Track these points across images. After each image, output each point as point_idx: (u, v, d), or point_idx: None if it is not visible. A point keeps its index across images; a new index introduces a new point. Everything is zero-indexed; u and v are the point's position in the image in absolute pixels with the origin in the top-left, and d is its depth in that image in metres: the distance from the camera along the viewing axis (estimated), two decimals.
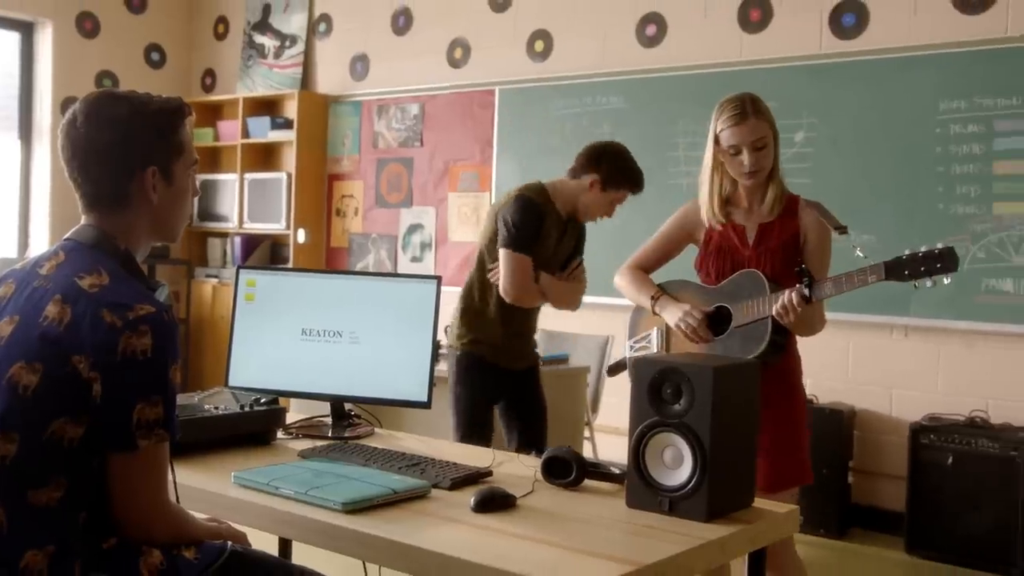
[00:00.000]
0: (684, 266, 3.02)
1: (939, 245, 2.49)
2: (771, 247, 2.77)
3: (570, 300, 3.69)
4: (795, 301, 2.58)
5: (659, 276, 3.06)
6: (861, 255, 2.63)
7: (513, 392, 3.72)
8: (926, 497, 4.52)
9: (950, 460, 4.45)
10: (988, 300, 4.61)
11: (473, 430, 3.56)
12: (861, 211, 4.86)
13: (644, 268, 3.04)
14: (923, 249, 2.49)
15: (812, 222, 2.75)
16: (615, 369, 3.13)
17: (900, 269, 2.50)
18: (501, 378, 3.66)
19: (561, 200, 3.64)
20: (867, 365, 4.97)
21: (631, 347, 3.03)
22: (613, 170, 3.64)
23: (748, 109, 2.72)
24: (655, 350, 2.93)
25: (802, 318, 2.61)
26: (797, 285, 2.61)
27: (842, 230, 2.68)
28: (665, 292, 2.93)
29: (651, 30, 5.68)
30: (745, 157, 2.71)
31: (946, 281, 2.47)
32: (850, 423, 4.91)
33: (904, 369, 4.88)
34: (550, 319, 5.67)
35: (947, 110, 4.72)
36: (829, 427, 4.76)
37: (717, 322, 2.80)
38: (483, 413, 3.63)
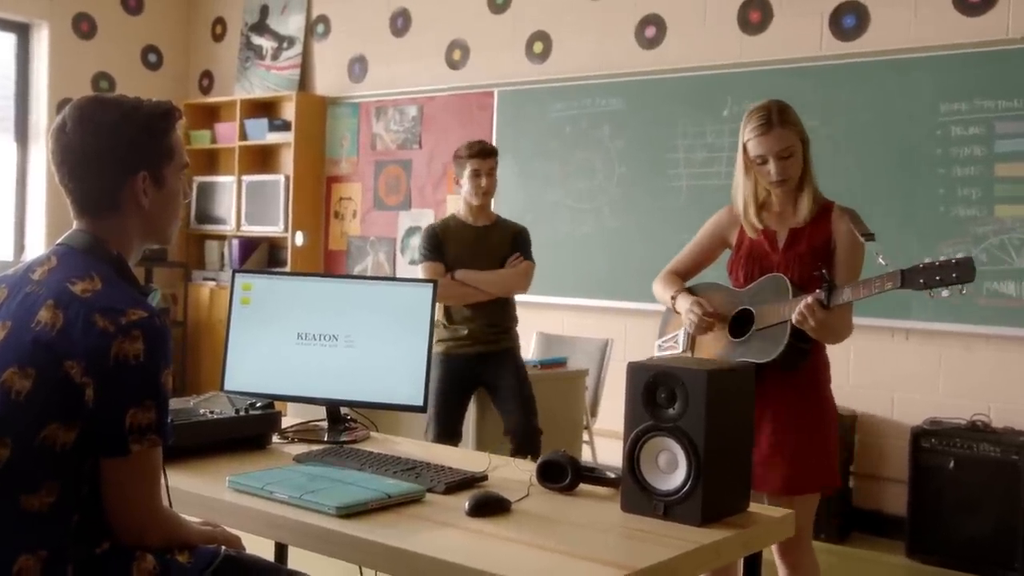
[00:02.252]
0: (721, 272, 3.03)
1: (958, 255, 2.47)
2: (800, 252, 2.77)
3: (497, 285, 4.22)
4: (813, 306, 2.58)
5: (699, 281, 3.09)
6: (883, 263, 2.61)
7: (485, 373, 4.25)
8: (927, 501, 4.50)
9: (951, 464, 4.43)
10: (989, 303, 4.59)
11: (436, 414, 4.12)
12: (861, 214, 4.81)
13: (680, 274, 3.05)
14: (941, 258, 2.47)
15: (844, 229, 2.74)
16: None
17: (916, 277, 2.48)
18: (468, 365, 4.21)
19: (463, 213, 4.32)
20: (868, 369, 4.94)
21: (659, 347, 3.06)
22: (453, 159, 4.35)
23: (774, 119, 2.72)
24: (681, 350, 2.96)
25: (823, 324, 2.59)
26: (817, 290, 2.61)
27: (869, 237, 2.68)
28: (686, 290, 2.96)
29: (650, 31, 5.66)
30: (772, 167, 2.72)
31: (963, 292, 2.45)
32: (851, 427, 4.89)
33: (905, 373, 4.86)
34: (549, 323, 5.69)
35: (948, 112, 4.70)
36: None
37: (741, 325, 2.81)
38: (447, 402, 4.17)
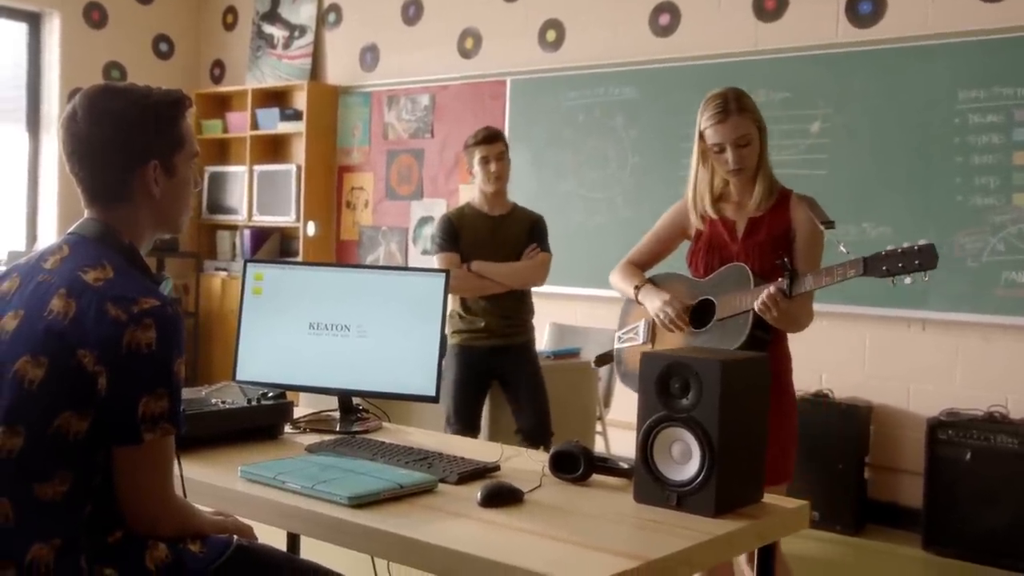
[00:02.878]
0: (680, 263, 3.03)
1: (921, 241, 2.48)
2: (759, 241, 2.77)
3: (513, 278, 4.16)
4: (776, 295, 2.58)
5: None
6: (844, 251, 2.60)
7: (502, 367, 4.20)
8: (944, 493, 4.47)
9: (968, 456, 4.40)
10: (1007, 293, 4.55)
11: (456, 409, 4.10)
12: (877, 203, 4.82)
13: (639, 265, 3.06)
14: (904, 245, 2.48)
15: (803, 217, 2.74)
16: (602, 360, 3.21)
17: (878, 265, 2.49)
18: (484, 358, 4.17)
19: (479, 202, 4.25)
20: (884, 359, 4.91)
21: (619, 338, 3.05)
22: (464, 150, 4.29)
23: (731, 107, 2.72)
24: (641, 342, 2.95)
25: (785, 313, 2.61)
26: (779, 279, 2.62)
27: (828, 225, 2.67)
28: (650, 283, 2.96)
29: (664, 19, 5.62)
30: (729, 155, 2.72)
31: (926, 279, 2.46)
32: (867, 418, 4.86)
33: (922, 363, 4.83)
34: (563, 313, 5.67)
35: (965, 100, 4.65)
36: (845, 422, 4.73)
37: (702, 315, 2.81)
38: (465, 395, 4.15)
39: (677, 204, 3.00)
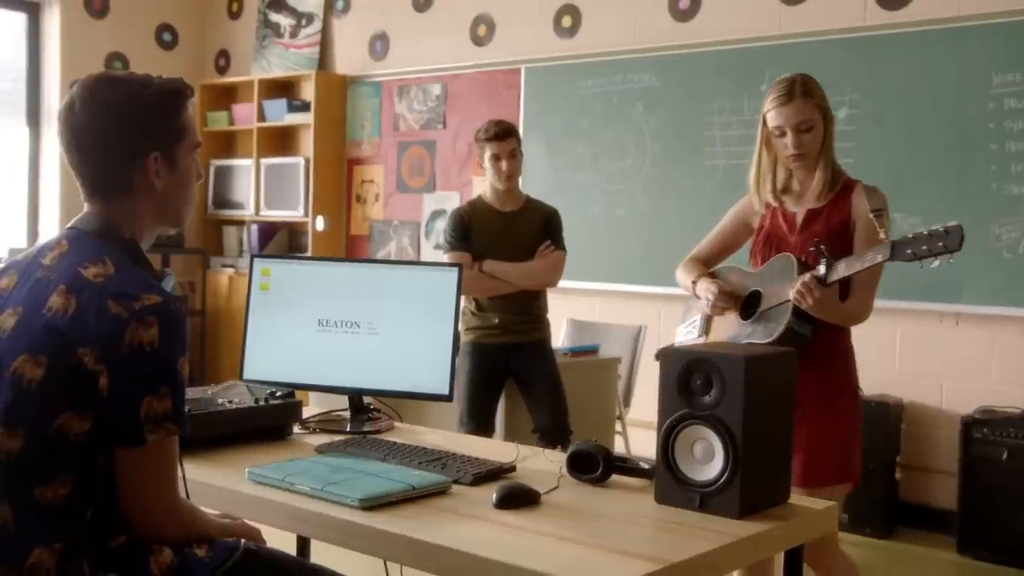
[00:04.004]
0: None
1: (950, 223, 2.45)
2: (816, 232, 2.75)
3: (527, 277, 4.10)
4: (809, 283, 2.58)
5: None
6: (883, 238, 2.59)
7: (517, 365, 4.15)
8: (979, 494, 4.40)
9: (1005, 455, 4.32)
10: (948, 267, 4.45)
11: (470, 408, 4.04)
12: (908, 191, 4.74)
13: (703, 261, 3.07)
14: (931, 228, 2.46)
15: (863, 208, 2.73)
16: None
17: (904, 249, 2.47)
18: (498, 355, 4.12)
19: (490, 197, 4.16)
20: (916, 355, 4.86)
21: (679, 333, 3.09)
22: (475, 142, 4.20)
23: (796, 90, 2.73)
24: (697, 335, 2.99)
25: (822, 302, 2.59)
26: (816, 267, 2.63)
27: (877, 213, 2.65)
28: (707, 275, 2.98)
29: (684, 3, 5.55)
30: (789, 139, 2.73)
31: (950, 261, 2.44)
32: (898, 416, 4.80)
33: (956, 359, 4.77)
34: (580, 309, 5.58)
35: (1001, 83, 4.56)
36: (876, 420, 4.64)
37: (751, 307, 2.83)
38: (479, 394, 4.08)
39: (742, 199, 2.99)
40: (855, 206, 2.74)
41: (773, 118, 2.74)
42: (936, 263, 2.44)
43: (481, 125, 4.18)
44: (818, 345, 2.68)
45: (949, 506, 4.58)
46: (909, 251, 2.46)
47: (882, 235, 2.58)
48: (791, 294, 2.61)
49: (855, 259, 2.58)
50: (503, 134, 4.07)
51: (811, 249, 2.66)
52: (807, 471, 2.66)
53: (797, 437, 2.63)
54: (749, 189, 2.90)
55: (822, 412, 2.69)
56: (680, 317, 3.12)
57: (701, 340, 2.94)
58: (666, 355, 1.99)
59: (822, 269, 2.59)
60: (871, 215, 2.65)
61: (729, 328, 2.86)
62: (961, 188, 4.63)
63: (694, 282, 2.97)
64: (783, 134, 2.73)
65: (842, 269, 2.58)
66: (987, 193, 4.57)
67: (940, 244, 2.41)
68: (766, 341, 2.67)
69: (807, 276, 2.59)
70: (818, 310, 2.61)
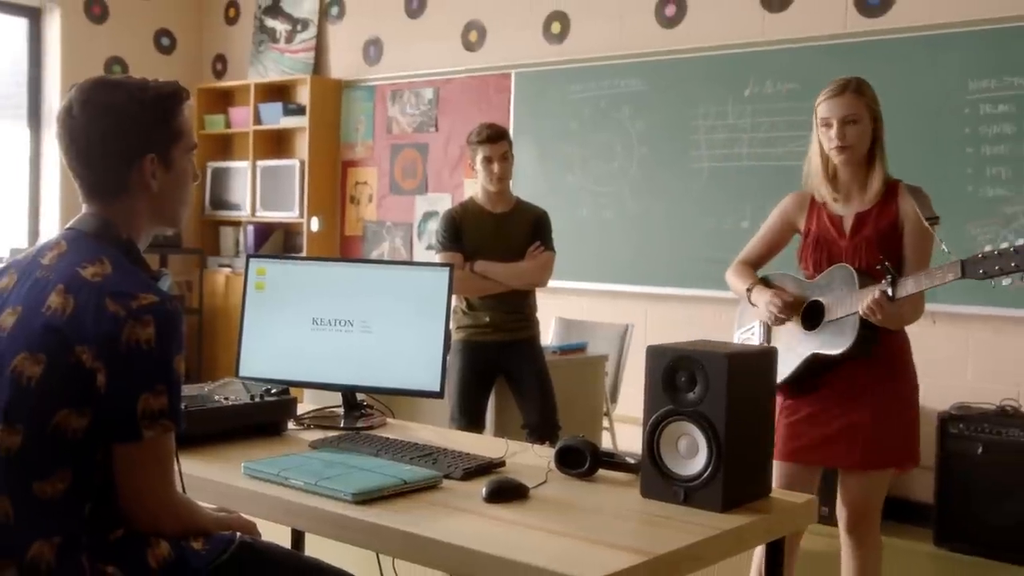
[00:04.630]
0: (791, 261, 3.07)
1: (1019, 242, 2.46)
2: (866, 236, 2.79)
3: (517, 277, 4.14)
4: (880, 300, 2.61)
5: (769, 269, 3.11)
6: (945, 250, 2.63)
7: (507, 363, 4.19)
8: (955, 488, 4.45)
9: (980, 450, 4.37)
10: (1020, 285, 4.46)
11: (460, 404, 4.09)
12: None
13: (752, 263, 3.09)
14: (1002, 246, 2.48)
15: (910, 209, 2.76)
16: None
17: (976, 268, 2.50)
18: (489, 353, 4.15)
19: (481, 198, 4.21)
20: None
21: (737, 338, 3.10)
22: (467, 144, 4.26)
23: (850, 86, 2.78)
24: (758, 342, 2.99)
25: (890, 316, 2.64)
26: (882, 281, 2.64)
27: (933, 221, 2.70)
28: (762, 282, 3.00)
29: (670, 10, 5.59)
30: (834, 130, 2.76)
31: (1022, 280, 2.47)
32: None
33: (932, 357, 4.70)
34: (569, 308, 5.64)
35: (976, 89, 4.62)
36: None
37: (813, 316, 2.84)
38: (469, 391, 4.12)
39: (785, 199, 3.03)
40: (902, 207, 2.77)
41: (823, 110, 2.79)
42: (1008, 281, 2.47)
43: (473, 128, 4.19)
44: (879, 345, 2.75)
45: (927, 499, 4.60)
46: (981, 270, 2.48)
47: (944, 247, 2.62)
48: (860, 309, 2.64)
49: (924, 276, 2.60)
50: (495, 137, 4.10)
51: (877, 267, 2.68)
52: (870, 456, 2.77)
53: (862, 424, 2.75)
54: (814, 180, 2.90)
55: (886, 402, 2.78)
56: (736, 322, 3.12)
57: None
58: (652, 352, 2.00)
59: (889, 289, 2.61)
60: (926, 223, 2.69)
61: (791, 336, 2.88)
62: (938, 190, 4.54)
63: (748, 289, 2.97)
64: (829, 126, 2.76)
65: (911, 286, 2.61)
66: (963, 195, 4.61)
67: (1013, 264, 2.44)
68: (837, 353, 2.73)
69: (877, 294, 2.61)
70: (886, 323, 2.66)
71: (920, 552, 4.47)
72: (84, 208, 1.89)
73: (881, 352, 2.78)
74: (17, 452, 1.68)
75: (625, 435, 5.06)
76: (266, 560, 1.90)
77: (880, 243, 2.74)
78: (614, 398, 5.21)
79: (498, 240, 4.13)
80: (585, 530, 1.78)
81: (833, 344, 2.74)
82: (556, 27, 6.03)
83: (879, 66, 4.83)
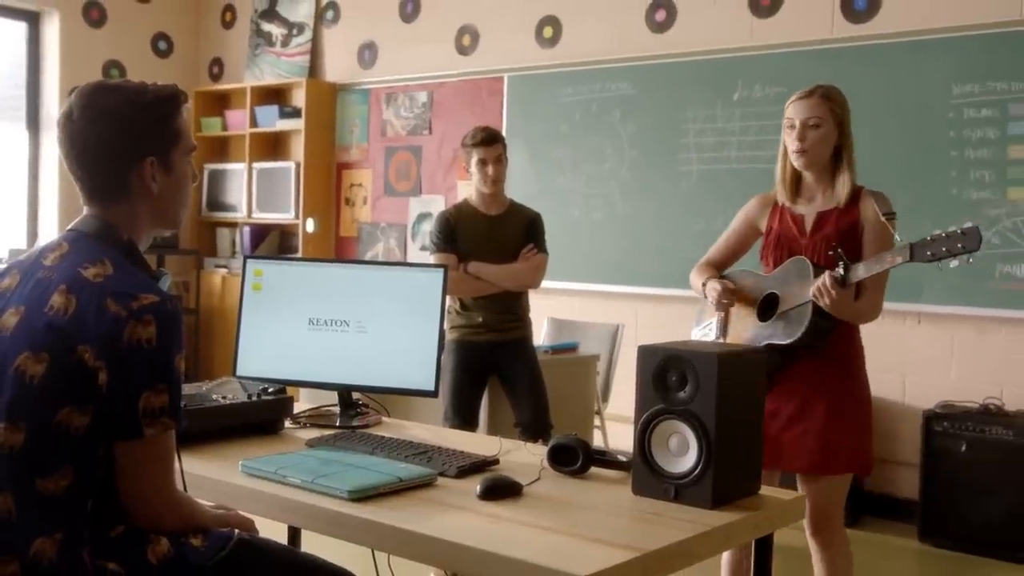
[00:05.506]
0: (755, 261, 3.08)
1: (967, 224, 2.49)
2: (826, 234, 2.79)
3: (511, 279, 4.16)
4: (828, 283, 2.62)
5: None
6: (898, 239, 2.64)
7: (500, 362, 4.20)
8: (939, 485, 4.48)
9: (964, 447, 4.41)
10: (1002, 286, 4.56)
11: (454, 403, 4.09)
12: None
13: (715, 265, 3.09)
14: (949, 229, 2.50)
15: (871, 211, 2.76)
16: None
17: (924, 250, 2.52)
18: (482, 353, 4.16)
19: (475, 200, 4.23)
20: (880, 352, 4.74)
21: (695, 335, 3.10)
22: (461, 147, 4.27)
23: (818, 91, 2.79)
24: (714, 336, 3.00)
25: (839, 302, 2.64)
26: (836, 268, 2.65)
27: (889, 216, 2.71)
28: (717, 278, 3.00)
29: (661, 15, 5.63)
30: (796, 131, 2.77)
31: (969, 261, 2.48)
32: None
33: (917, 356, 4.85)
34: (560, 308, 5.69)
35: (960, 94, 4.67)
36: None
37: (769, 308, 2.85)
38: (463, 390, 4.13)
39: (750, 202, 3.03)
40: (863, 209, 2.77)
41: (789, 111, 2.80)
42: (955, 263, 2.48)
43: (468, 132, 4.21)
44: (834, 344, 2.75)
45: (911, 496, 4.65)
46: (928, 252, 2.49)
47: (897, 238, 2.63)
48: (811, 291, 2.65)
49: (874, 261, 2.61)
50: (490, 140, 4.12)
51: (829, 253, 2.69)
52: (823, 460, 2.73)
53: (814, 428, 2.72)
54: (777, 184, 2.91)
55: (841, 406, 2.75)
56: (695, 320, 3.13)
57: (719, 342, 2.94)
58: (643, 352, 2.01)
59: (841, 271, 2.62)
60: (883, 218, 2.70)
61: (747, 330, 2.88)
62: (923, 193, 4.70)
63: (704, 284, 2.99)
64: (793, 127, 2.77)
65: (862, 271, 2.62)
66: (947, 198, 4.66)
67: (959, 245, 2.45)
68: (788, 342, 2.72)
69: (826, 276, 2.62)
70: (835, 309, 2.64)
71: (905, 547, 4.51)
72: (85, 210, 1.90)
73: (834, 354, 2.76)
74: (20, 449, 1.69)
75: (616, 434, 5.10)
76: (264, 556, 1.91)
77: (840, 242, 2.73)
78: (605, 397, 5.22)
79: (492, 242, 4.15)
80: (578, 527, 1.79)
81: (786, 334, 2.73)
82: (548, 31, 6.07)
83: (865, 70, 4.89)
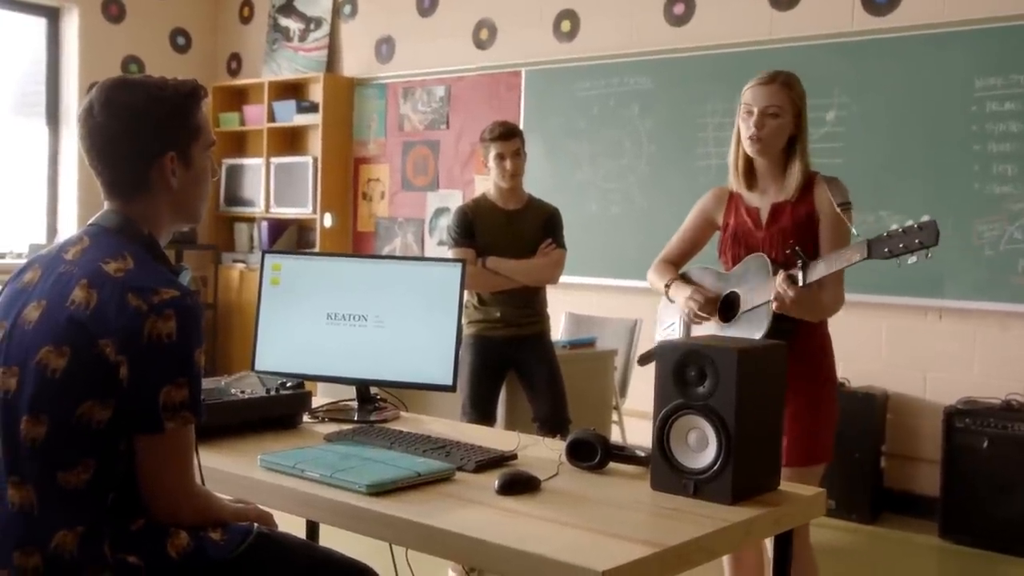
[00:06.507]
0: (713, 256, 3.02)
1: (924, 218, 2.43)
2: (783, 227, 2.74)
3: (529, 274, 4.15)
4: (785, 285, 2.56)
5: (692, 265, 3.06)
6: (856, 234, 2.60)
7: (518, 357, 4.20)
8: (960, 482, 4.46)
9: (985, 444, 4.39)
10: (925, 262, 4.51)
11: (472, 398, 4.09)
12: (893, 191, 4.81)
13: (672, 262, 3.04)
14: (906, 224, 2.44)
15: (825, 200, 2.71)
16: (645, 359, 3.16)
17: (881, 247, 2.46)
18: (499, 348, 4.16)
19: (494, 195, 4.22)
20: (901, 348, 4.90)
21: (658, 336, 3.05)
22: (480, 142, 4.26)
23: (779, 77, 2.73)
24: (677, 337, 2.95)
25: (799, 302, 2.58)
26: (793, 269, 2.60)
27: (845, 207, 2.65)
28: (680, 278, 2.95)
29: (679, 8, 5.61)
30: (754, 119, 2.70)
31: (928, 256, 2.41)
32: (883, 407, 4.85)
33: (938, 352, 4.82)
34: (578, 303, 5.68)
35: (983, 87, 4.63)
36: (862, 411, 4.72)
37: (730, 308, 2.80)
38: (481, 385, 4.13)
39: (704, 196, 2.99)
40: (818, 198, 2.71)
41: (747, 96, 2.73)
42: (913, 259, 2.42)
43: (486, 126, 4.21)
44: (797, 339, 2.66)
45: (932, 493, 4.63)
46: (886, 249, 2.44)
47: (854, 231, 2.58)
48: (771, 292, 2.59)
49: (833, 259, 2.56)
50: (508, 134, 4.11)
51: (787, 251, 2.64)
52: (790, 452, 2.64)
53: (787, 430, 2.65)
54: (730, 173, 2.85)
55: (804, 400, 2.68)
56: (656, 320, 3.09)
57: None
58: (662, 347, 2.01)
59: (799, 272, 2.57)
60: (838, 209, 2.63)
61: (709, 332, 2.83)
62: (945, 187, 4.68)
63: (667, 285, 2.94)
64: (751, 113, 2.70)
65: (821, 269, 2.56)
66: (970, 192, 4.63)
67: (916, 241, 2.40)
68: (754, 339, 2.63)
69: (781, 278, 2.57)
70: (796, 310, 2.60)
71: (926, 544, 4.50)
72: (106, 205, 1.91)
73: (800, 353, 2.65)
74: (42, 442, 1.70)
75: (635, 429, 5.07)
76: (283, 550, 1.91)
77: (796, 233, 2.69)
78: (623, 392, 5.22)
79: (510, 237, 4.15)
80: (596, 522, 1.79)
81: (748, 334, 2.68)
82: (566, 25, 6.06)
83: (886, 64, 4.87)
